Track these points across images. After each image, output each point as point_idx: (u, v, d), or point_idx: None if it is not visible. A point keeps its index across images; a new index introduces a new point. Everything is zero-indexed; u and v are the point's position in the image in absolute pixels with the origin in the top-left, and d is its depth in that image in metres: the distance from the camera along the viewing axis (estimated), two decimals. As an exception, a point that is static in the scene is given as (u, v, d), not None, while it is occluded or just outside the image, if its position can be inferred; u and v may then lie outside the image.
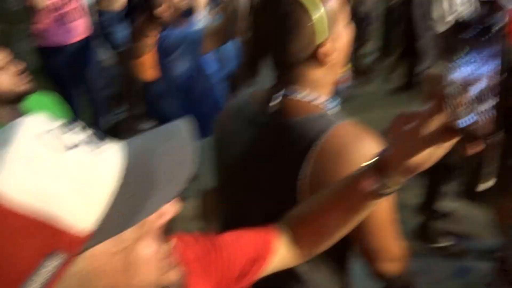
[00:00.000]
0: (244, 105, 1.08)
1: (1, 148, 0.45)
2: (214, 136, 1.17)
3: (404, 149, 0.63)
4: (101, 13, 4.04)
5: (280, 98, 0.99)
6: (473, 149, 0.58)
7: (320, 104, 0.99)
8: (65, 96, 2.78)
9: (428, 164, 0.64)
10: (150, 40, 3.00)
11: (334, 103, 1.02)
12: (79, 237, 0.45)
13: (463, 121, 0.57)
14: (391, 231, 0.95)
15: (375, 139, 0.91)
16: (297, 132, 0.95)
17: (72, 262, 0.46)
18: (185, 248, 0.73)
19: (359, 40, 1.09)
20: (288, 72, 1.00)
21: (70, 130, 0.49)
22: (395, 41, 4.89)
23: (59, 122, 0.49)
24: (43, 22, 3.30)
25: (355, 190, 0.71)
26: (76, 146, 0.47)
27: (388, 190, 0.68)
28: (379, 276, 0.98)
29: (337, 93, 1.04)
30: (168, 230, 0.56)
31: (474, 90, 0.56)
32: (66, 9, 3.36)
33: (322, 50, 0.94)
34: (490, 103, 0.55)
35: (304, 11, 0.92)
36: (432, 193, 2.60)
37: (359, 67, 4.91)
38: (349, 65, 1.04)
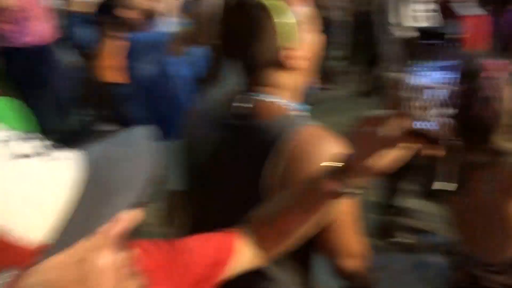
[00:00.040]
0: (212, 107, 1.10)
1: None
2: (182, 138, 1.18)
3: (366, 152, 0.66)
4: (65, 14, 3.96)
5: (247, 101, 1.01)
6: (431, 152, 0.61)
7: (287, 107, 1.01)
8: (27, 99, 2.72)
9: (390, 167, 0.67)
10: (116, 42, 2.96)
11: (301, 107, 1.05)
12: (32, 250, 0.44)
13: (422, 126, 0.61)
14: (353, 228, 0.98)
15: (338, 142, 0.93)
16: (263, 134, 0.97)
17: (25, 276, 0.44)
18: (146, 256, 0.72)
19: (326, 46, 1.13)
20: (255, 75, 1.02)
21: (23, 139, 0.48)
22: (359, 47, 5.01)
23: (11, 131, 0.48)
24: (6, 23, 3.22)
25: (318, 191, 0.73)
26: (28, 156, 0.46)
27: (350, 191, 0.70)
28: (341, 272, 1.00)
29: (304, 97, 1.07)
30: (129, 237, 0.55)
31: (432, 96, 0.60)
32: (30, 10, 3.28)
33: (286, 54, 0.96)
34: (446, 108, 0.59)
35: (269, 15, 0.94)
36: (392, 191, 2.68)
37: (325, 72, 5.00)
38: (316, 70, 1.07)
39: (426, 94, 0.60)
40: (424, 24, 2.45)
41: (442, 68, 0.59)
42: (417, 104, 0.61)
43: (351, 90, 4.95)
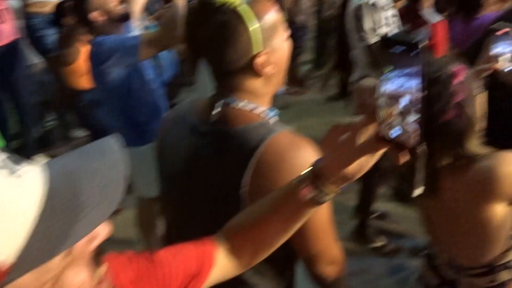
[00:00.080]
0: (186, 113, 1.08)
1: None
2: (156, 144, 1.16)
3: (339, 158, 0.66)
4: (30, 16, 3.84)
5: (220, 107, 1.00)
6: (402, 158, 0.61)
7: (261, 113, 1.01)
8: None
9: (361, 172, 0.67)
10: (82, 46, 2.88)
11: (274, 112, 1.04)
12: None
13: (393, 132, 0.60)
14: (329, 234, 0.98)
15: (312, 148, 0.93)
16: (238, 140, 0.96)
17: None
18: (119, 270, 0.70)
19: (294, 50, 1.12)
20: (227, 81, 1.00)
21: None
22: (329, 51, 5.07)
23: None
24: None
25: (293, 198, 0.72)
26: None
27: (324, 198, 0.70)
28: (320, 279, 1.00)
29: (273, 100, 1.06)
30: (102, 252, 0.53)
31: (402, 103, 0.60)
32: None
33: (257, 61, 0.96)
34: (416, 115, 0.59)
35: (241, 21, 0.93)
36: (367, 195, 2.72)
37: (294, 76, 5.03)
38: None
39: (396, 100, 0.60)
40: (393, 30, 2.49)
41: (411, 75, 0.59)
42: (387, 110, 0.60)
43: (320, 94, 5.00)
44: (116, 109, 2.23)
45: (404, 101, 0.60)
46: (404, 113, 0.60)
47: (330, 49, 4.97)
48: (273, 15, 0.97)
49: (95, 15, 2.12)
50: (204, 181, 1.02)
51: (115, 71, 2.07)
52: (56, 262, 0.46)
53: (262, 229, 0.79)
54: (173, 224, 1.15)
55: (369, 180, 2.59)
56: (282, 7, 1.02)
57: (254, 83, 0.99)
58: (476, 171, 1.11)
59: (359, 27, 2.47)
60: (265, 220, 0.78)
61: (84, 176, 0.48)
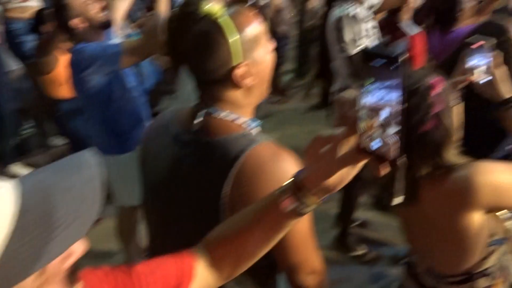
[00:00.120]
0: (170, 122, 1.08)
1: None
2: (139, 153, 1.15)
3: (320, 170, 0.67)
4: (9, 21, 3.78)
5: (202, 117, 1.00)
6: (383, 170, 0.62)
7: (242, 123, 1.01)
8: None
9: (342, 184, 0.68)
10: (61, 54, 2.84)
11: (254, 123, 1.04)
12: None
13: (373, 144, 0.61)
14: (310, 244, 0.98)
15: (293, 160, 0.94)
16: (219, 151, 0.96)
17: None
18: (96, 285, 0.68)
19: (276, 60, 1.13)
20: (209, 90, 1.01)
21: None
22: (311, 61, 5.12)
23: None
24: None
25: (274, 209, 0.72)
26: None
27: (305, 210, 0.70)
28: (300, 289, 1.00)
29: (256, 110, 1.07)
30: (76, 269, 0.52)
31: (382, 115, 0.61)
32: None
33: (237, 72, 0.96)
34: (396, 127, 0.60)
35: (221, 33, 0.93)
36: (348, 204, 2.74)
37: (277, 85, 5.06)
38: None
39: (376, 113, 0.61)
40: (373, 42, 2.53)
41: (391, 87, 0.60)
42: (367, 122, 0.61)
43: (302, 104, 5.04)
44: (97, 117, 2.21)
45: (384, 114, 0.61)
46: (384, 125, 0.61)
47: (312, 59, 5.02)
48: (255, 27, 0.97)
49: (76, 22, 2.10)
50: (186, 191, 1.02)
51: (96, 79, 2.05)
52: (29, 282, 0.44)
53: (243, 240, 0.78)
54: (156, 233, 1.15)
55: (350, 189, 2.61)
56: (264, 17, 1.03)
57: (235, 94, 1.00)
58: (453, 181, 1.13)
59: (340, 38, 2.51)
60: (246, 231, 0.78)
61: (59, 193, 0.47)
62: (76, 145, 3.02)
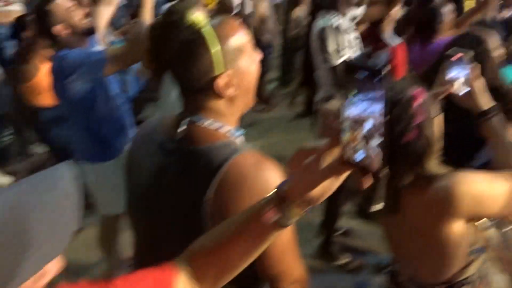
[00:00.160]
0: (154, 130, 1.07)
1: None
2: (125, 160, 1.15)
3: (303, 181, 0.67)
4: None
5: (186, 125, 1.00)
6: (366, 182, 0.63)
7: (226, 132, 1.01)
8: None
9: (326, 195, 0.68)
10: (42, 62, 2.79)
11: (239, 132, 1.04)
12: None
13: (357, 156, 0.62)
14: (293, 253, 0.98)
15: (276, 169, 0.94)
16: (202, 159, 0.96)
17: None
18: None
19: (261, 69, 1.14)
20: (192, 99, 1.01)
21: None
22: (295, 70, 5.16)
23: None
24: None
25: (257, 221, 0.72)
26: None
27: (288, 221, 0.70)
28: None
29: (241, 118, 1.07)
30: (52, 286, 0.51)
31: (366, 127, 0.61)
32: None
33: (219, 82, 0.96)
34: (379, 139, 0.60)
35: (203, 43, 0.93)
36: (331, 213, 2.75)
37: (261, 94, 5.08)
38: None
39: (360, 124, 0.62)
40: (356, 53, 2.56)
41: (374, 99, 0.61)
42: (351, 134, 0.62)
43: (286, 112, 5.06)
44: (80, 124, 2.18)
45: (367, 125, 0.61)
46: (368, 137, 0.61)
47: (296, 67, 5.05)
48: (239, 37, 0.98)
49: (59, 29, 2.08)
50: (170, 199, 1.01)
51: (79, 86, 2.03)
52: None
53: (226, 252, 0.77)
54: (141, 241, 1.13)
55: (334, 197, 2.62)
56: (248, 26, 1.03)
57: (218, 103, 1.00)
58: (435, 191, 1.14)
59: (323, 49, 2.53)
60: (229, 242, 0.77)
61: (33, 210, 0.45)
62: (57, 153, 2.98)
